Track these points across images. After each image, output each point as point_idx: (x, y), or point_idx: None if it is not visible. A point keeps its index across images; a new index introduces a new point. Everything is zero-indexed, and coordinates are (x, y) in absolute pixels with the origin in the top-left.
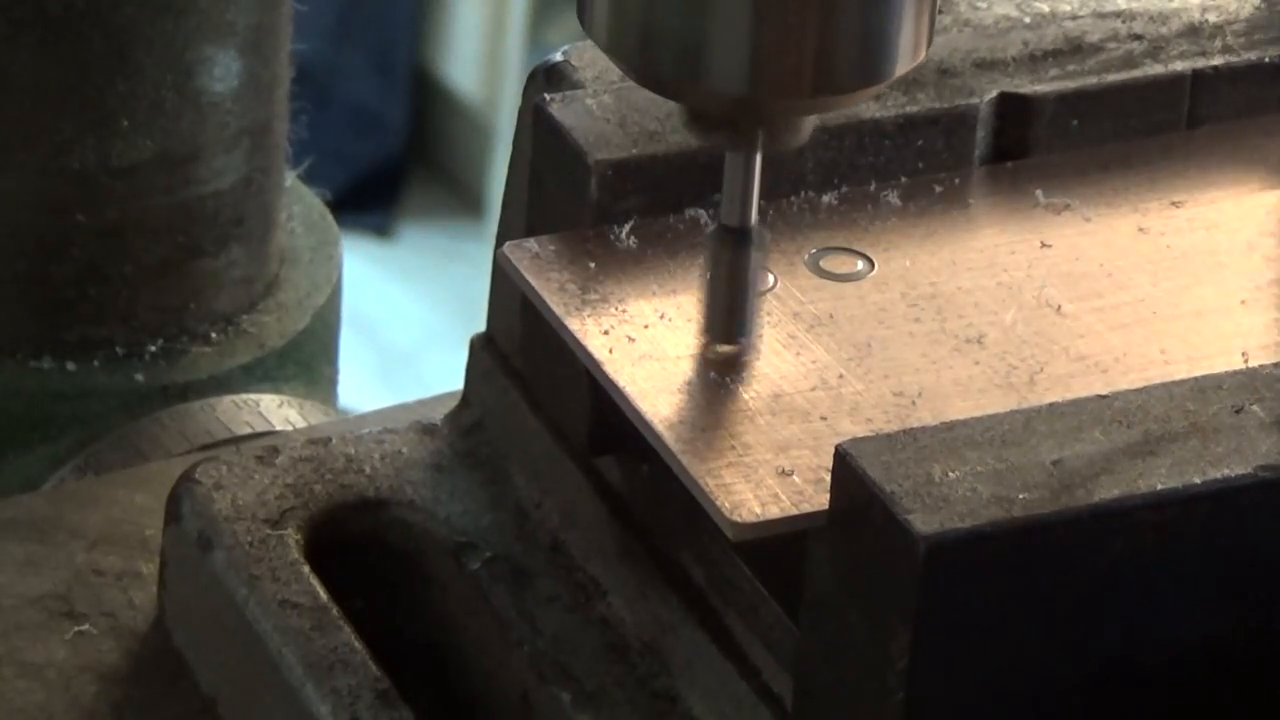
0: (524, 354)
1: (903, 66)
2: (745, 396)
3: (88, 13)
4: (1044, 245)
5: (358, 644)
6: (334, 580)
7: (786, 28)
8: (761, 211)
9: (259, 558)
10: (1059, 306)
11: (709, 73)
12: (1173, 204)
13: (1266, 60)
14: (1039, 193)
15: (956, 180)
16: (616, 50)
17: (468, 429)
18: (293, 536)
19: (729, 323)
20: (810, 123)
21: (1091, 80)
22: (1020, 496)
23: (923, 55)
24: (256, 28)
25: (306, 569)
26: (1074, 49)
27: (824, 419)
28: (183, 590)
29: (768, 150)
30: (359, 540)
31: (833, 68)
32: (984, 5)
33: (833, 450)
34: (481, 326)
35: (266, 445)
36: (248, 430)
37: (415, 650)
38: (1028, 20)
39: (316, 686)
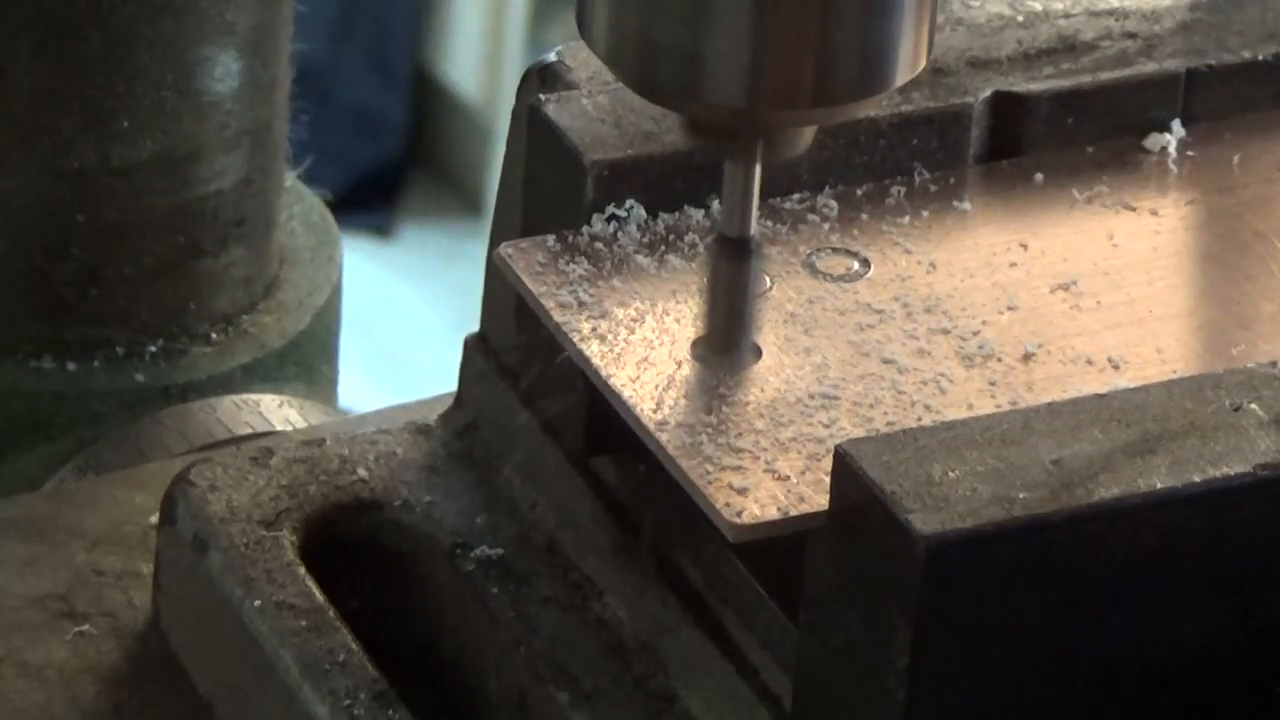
0: (518, 354)
1: (903, 76)
2: (742, 398)
3: (88, 13)
4: (1039, 244)
5: (354, 645)
6: (329, 581)
7: (786, 40)
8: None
9: (254, 559)
10: (1055, 306)
11: (708, 84)
12: (1168, 202)
13: (1260, 58)
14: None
15: (951, 179)
16: (616, 61)
17: (461, 429)
18: (288, 538)
19: (727, 330)
20: (809, 133)
21: (1086, 78)
22: (1020, 496)
23: (923, 63)
24: (256, 28)
25: (302, 570)
26: (1068, 47)
27: (821, 420)
28: (178, 592)
29: (767, 160)
30: (354, 541)
31: (832, 80)
32: (977, 4)
33: (832, 451)
34: None
35: (261, 446)
36: (248, 430)
37: (411, 651)
38: (1021, 19)
39: (313, 688)
